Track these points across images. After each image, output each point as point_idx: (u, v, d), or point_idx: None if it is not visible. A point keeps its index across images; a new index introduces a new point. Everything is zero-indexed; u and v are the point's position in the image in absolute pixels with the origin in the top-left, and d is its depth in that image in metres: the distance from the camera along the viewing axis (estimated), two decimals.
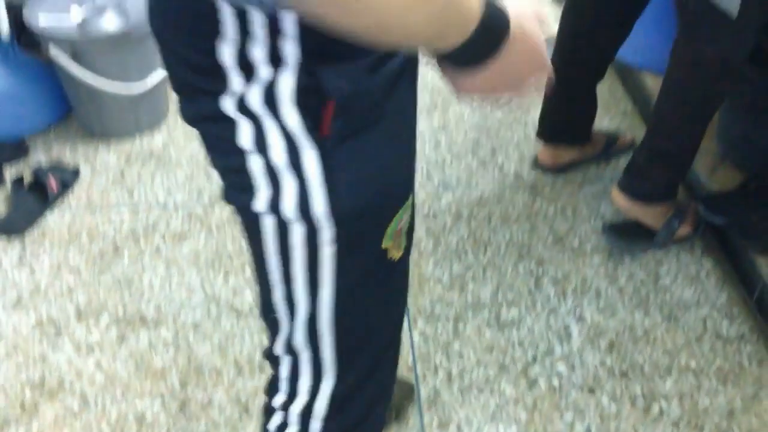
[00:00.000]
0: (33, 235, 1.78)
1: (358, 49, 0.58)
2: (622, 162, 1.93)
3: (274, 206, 0.67)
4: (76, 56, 1.87)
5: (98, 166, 1.99)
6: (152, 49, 1.96)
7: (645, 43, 1.98)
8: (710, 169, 1.79)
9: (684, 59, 1.45)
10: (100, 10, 1.89)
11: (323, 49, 0.59)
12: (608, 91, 2.23)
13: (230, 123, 0.64)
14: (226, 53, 0.60)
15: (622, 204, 1.66)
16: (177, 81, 0.68)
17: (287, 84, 0.61)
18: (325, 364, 0.82)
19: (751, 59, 1.40)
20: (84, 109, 2.04)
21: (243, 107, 0.63)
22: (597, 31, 1.70)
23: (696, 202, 1.70)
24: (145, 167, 1.98)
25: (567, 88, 1.77)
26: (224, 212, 1.83)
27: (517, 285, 1.66)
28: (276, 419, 0.89)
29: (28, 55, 1.98)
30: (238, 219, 0.74)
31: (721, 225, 1.65)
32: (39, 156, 2.01)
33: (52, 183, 1.85)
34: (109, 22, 1.87)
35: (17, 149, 1.99)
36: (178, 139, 2.07)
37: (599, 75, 1.79)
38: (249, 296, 1.62)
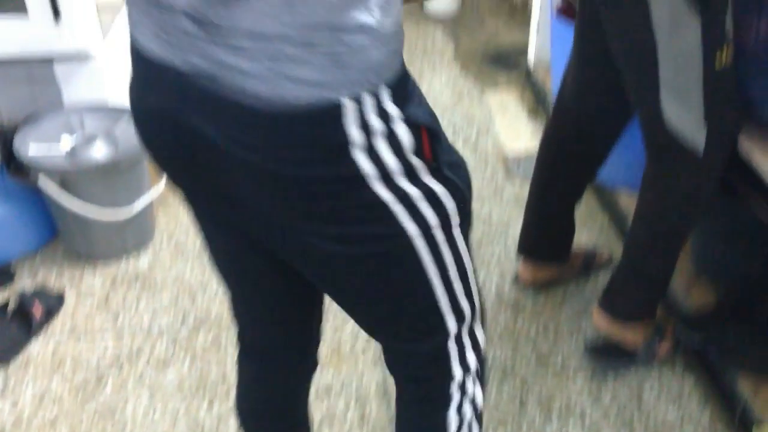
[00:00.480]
0: (16, 363, 1.77)
1: (412, 88, 0.78)
2: (602, 278, 1.97)
3: (422, 226, 0.81)
4: (65, 185, 1.91)
5: (83, 289, 2.00)
6: (140, 175, 2.01)
7: (618, 163, 2.06)
8: (686, 287, 1.83)
9: (654, 189, 1.52)
10: (89, 139, 1.95)
11: (403, 93, 0.76)
12: (584, 206, 2.30)
13: (374, 197, 0.77)
14: (360, 157, 0.74)
15: (602, 325, 1.69)
16: (308, 203, 0.77)
17: (402, 131, 0.76)
18: (471, 324, 0.97)
19: (720, 189, 1.47)
20: (71, 234, 2.07)
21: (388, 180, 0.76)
22: (575, 157, 1.78)
23: (674, 320, 1.74)
24: (130, 290, 2.00)
25: (545, 208, 1.83)
26: (209, 336, 1.84)
27: (502, 406, 1.66)
28: (455, 401, 1.00)
29: (16, 181, 2.02)
30: (375, 266, 0.85)
31: (698, 346, 1.68)
32: (24, 280, 2.02)
33: (37, 310, 1.85)
34: (99, 151, 1.93)
35: (2, 275, 2.00)
36: (164, 260, 2.10)
37: (577, 196, 1.86)
38: (233, 425, 1.61)
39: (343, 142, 0.72)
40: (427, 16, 3.47)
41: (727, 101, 1.42)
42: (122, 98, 2.15)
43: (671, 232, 1.56)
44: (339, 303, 0.94)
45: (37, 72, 2.06)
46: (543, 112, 2.69)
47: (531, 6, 3.44)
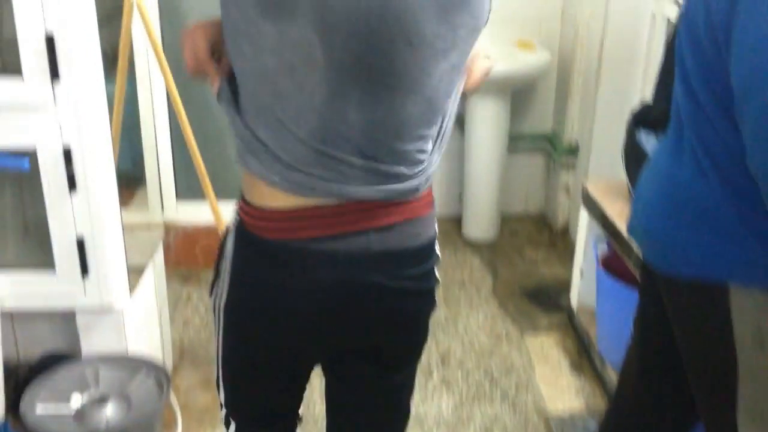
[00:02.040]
0: None
1: None
2: None
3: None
4: None
5: None
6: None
7: None
8: None
9: None
10: (101, 399, 1.82)
11: None
12: None
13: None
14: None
15: None
16: None
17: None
18: None
19: None
20: None
21: None
22: None
23: None
24: None
25: None
26: None
27: None
28: None
29: None
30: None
31: None
32: None
33: None
34: (111, 413, 1.79)
35: None
36: None
37: None
38: None
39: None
40: (465, 242, 3.41)
41: None
42: (143, 348, 2.05)
43: None
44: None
45: (58, 316, 1.98)
46: (587, 364, 2.52)
47: (571, 234, 3.37)
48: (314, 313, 1.09)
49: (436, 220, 1.17)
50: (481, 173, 3.35)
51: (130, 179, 3.45)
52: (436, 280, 1.21)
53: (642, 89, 2.94)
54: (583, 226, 2.61)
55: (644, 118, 2.31)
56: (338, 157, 1.00)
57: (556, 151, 3.40)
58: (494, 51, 3.23)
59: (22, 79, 1.61)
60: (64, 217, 1.73)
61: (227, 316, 1.14)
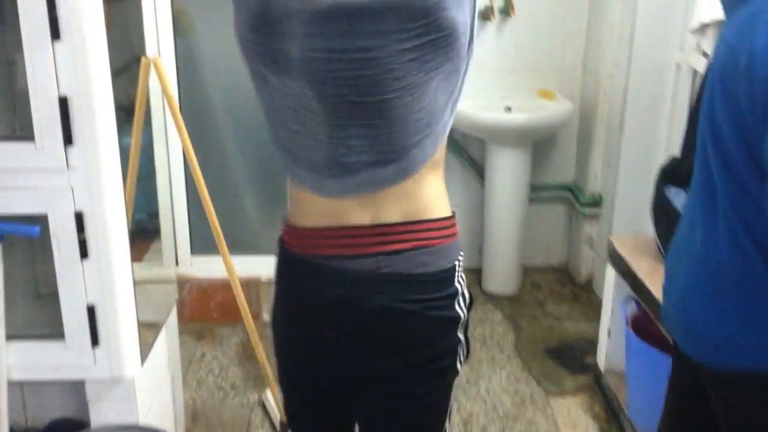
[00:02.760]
0: None
1: None
2: None
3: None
4: None
5: None
6: None
7: None
8: None
9: None
10: None
11: None
12: None
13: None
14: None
15: None
16: None
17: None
18: None
19: None
20: None
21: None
22: None
23: None
24: None
25: None
26: None
27: None
28: None
29: None
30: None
31: None
32: None
33: None
34: None
35: None
36: None
37: None
38: None
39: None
40: (486, 296, 3.32)
41: None
42: (154, 415, 1.97)
43: None
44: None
45: (68, 384, 1.91)
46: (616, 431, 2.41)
47: (595, 288, 3.28)
48: (328, 328, 1.20)
49: (458, 252, 1.21)
50: (501, 224, 3.27)
51: (145, 232, 3.41)
52: (457, 313, 1.21)
53: (667, 141, 2.87)
54: (610, 284, 2.52)
55: (673, 173, 2.24)
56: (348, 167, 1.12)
57: (579, 202, 3.32)
58: (515, 102, 3.18)
59: (35, 145, 1.56)
60: (75, 284, 1.66)
61: (273, 328, 1.30)
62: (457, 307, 1.21)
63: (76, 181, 1.60)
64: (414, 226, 1.15)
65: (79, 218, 1.62)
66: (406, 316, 1.17)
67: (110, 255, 1.66)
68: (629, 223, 3.00)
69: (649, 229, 3.00)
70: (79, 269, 1.66)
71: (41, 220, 1.65)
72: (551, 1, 3.21)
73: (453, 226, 1.20)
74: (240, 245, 2.99)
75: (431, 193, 1.16)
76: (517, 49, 3.25)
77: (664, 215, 2.23)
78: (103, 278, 1.67)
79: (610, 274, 2.50)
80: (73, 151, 1.58)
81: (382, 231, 1.14)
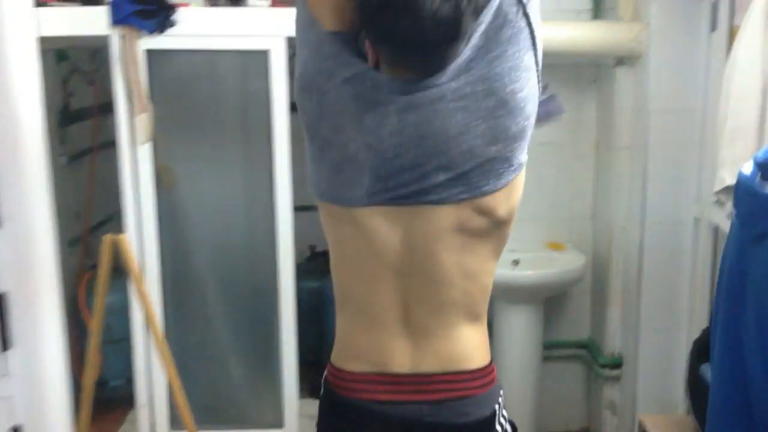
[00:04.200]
0: None
1: None
2: None
3: None
4: None
5: None
6: None
7: None
8: None
9: None
10: None
11: None
12: None
13: None
14: None
15: None
16: None
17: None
18: None
19: None
20: None
21: None
22: None
23: None
24: None
25: None
26: None
27: None
28: None
29: None
30: None
31: None
32: None
33: None
34: None
35: None
36: None
37: None
38: None
39: None
40: None
41: None
42: None
43: None
44: None
45: None
46: None
47: None
48: None
49: (498, 396, 1.22)
50: (514, 386, 2.98)
51: (121, 399, 3.17)
52: None
53: (690, 299, 2.65)
54: None
55: (707, 346, 2.00)
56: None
57: (597, 363, 3.04)
58: (523, 254, 2.98)
59: None
60: None
61: None
62: None
63: (16, 390, 1.37)
64: (453, 376, 1.18)
65: None
66: None
67: None
68: (655, 389, 2.74)
69: (679, 397, 2.72)
70: None
71: None
72: (555, 151, 3.08)
73: (492, 372, 1.22)
74: (226, 418, 2.74)
75: (471, 342, 1.22)
76: (524, 199, 3.09)
77: (699, 394, 1.99)
78: None
79: None
80: (12, 357, 1.35)
81: (424, 379, 1.17)
